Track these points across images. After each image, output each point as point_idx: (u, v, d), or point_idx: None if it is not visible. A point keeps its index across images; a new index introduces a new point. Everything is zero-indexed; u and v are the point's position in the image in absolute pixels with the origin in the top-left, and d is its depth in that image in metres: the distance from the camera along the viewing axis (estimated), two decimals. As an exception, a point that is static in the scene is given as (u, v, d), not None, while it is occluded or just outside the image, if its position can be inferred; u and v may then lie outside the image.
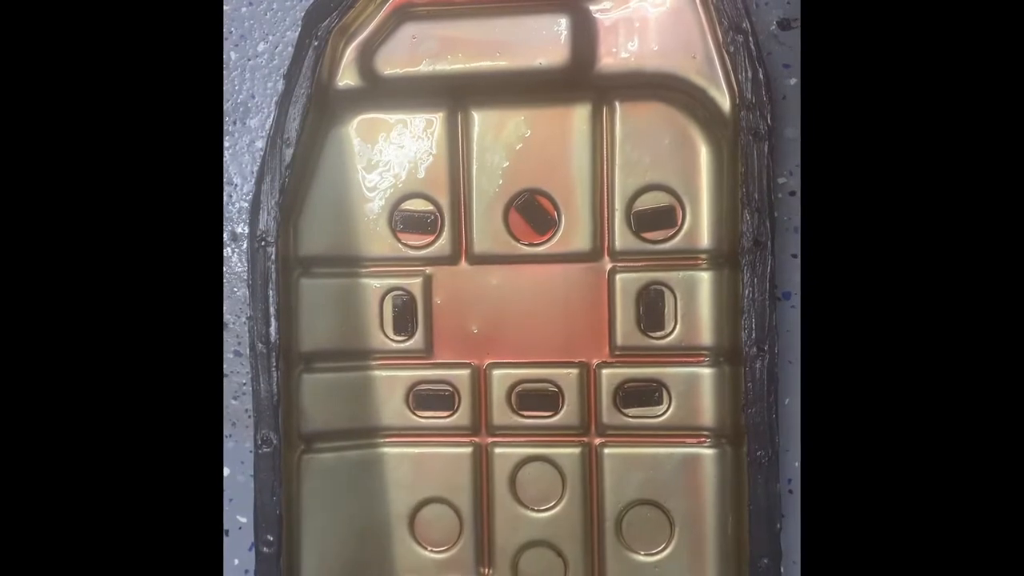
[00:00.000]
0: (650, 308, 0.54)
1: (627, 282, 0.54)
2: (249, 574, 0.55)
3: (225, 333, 0.58)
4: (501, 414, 0.56)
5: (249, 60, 0.58)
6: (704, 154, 0.53)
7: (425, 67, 0.53)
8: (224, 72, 0.58)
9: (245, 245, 0.57)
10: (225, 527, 0.59)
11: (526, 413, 0.56)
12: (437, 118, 0.55)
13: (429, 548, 0.56)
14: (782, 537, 0.51)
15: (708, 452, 0.54)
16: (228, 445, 0.59)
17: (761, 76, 0.49)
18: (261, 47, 0.57)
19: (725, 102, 0.51)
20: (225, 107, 0.58)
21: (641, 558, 0.55)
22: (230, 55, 0.58)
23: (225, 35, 0.58)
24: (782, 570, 0.54)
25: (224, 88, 0.58)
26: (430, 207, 0.55)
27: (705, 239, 0.53)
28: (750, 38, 0.49)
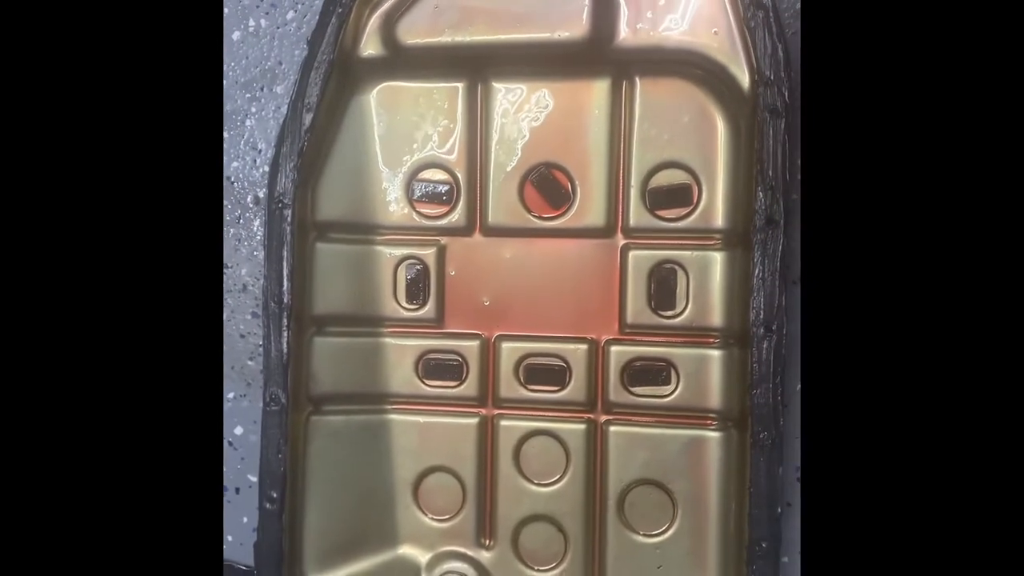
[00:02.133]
0: (661, 286, 0.54)
1: (640, 259, 0.54)
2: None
3: (244, 295, 0.60)
4: (508, 387, 0.56)
5: (278, 28, 0.59)
6: (722, 132, 0.52)
7: (446, 37, 0.54)
8: (254, 39, 0.59)
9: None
10: (235, 485, 0.60)
11: (533, 387, 0.56)
12: (457, 88, 0.55)
13: (431, 516, 0.57)
14: (785, 522, 0.50)
15: (714, 435, 0.53)
16: (242, 404, 0.60)
17: (780, 52, 0.48)
18: (290, 15, 0.59)
19: (744, 78, 0.50)
20: (253, 73, 0.59)
21: (642, 538, 0.54)
22: (260, 22, 0.59)
23: (256, 3, 0.59)
24: (785, 559, 0.53)
25: (253, 55, 0.59)
26: (447, 177, 0.56)
27: (720, 218, 0.53)
28: (771, 14, 0.48)
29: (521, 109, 0.55)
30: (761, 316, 0.49)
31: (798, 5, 0.53)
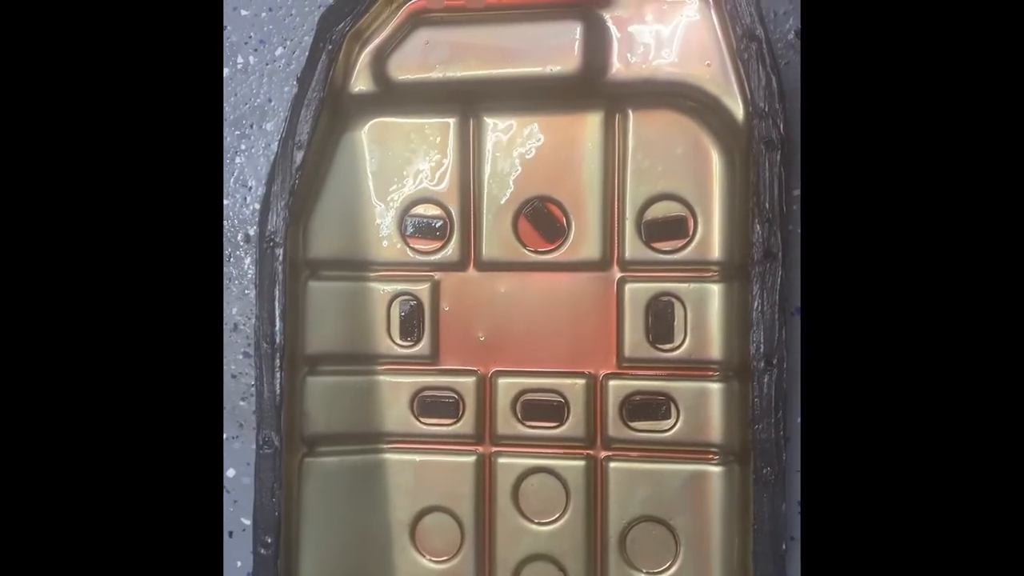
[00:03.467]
0: (659, 319, 0.53)
1: (636, 292, 0.53)
2: (250, 577, 0.55)
3: (235, 335, 0.59)
4: (505, 423, 0.55)
5: (267, 64, 0.58)
6: (717, 164, 0.52)
7: (437, 73, 0.53)
8: (243, 76, 0.58)
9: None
10: (229, 529, 0.59)
11: (531, 423, 0.55)
12: (449, 124, 0.55)
13: (429, 558, 0.56)
14: (790, 559, 0.49)
15: (716, 470, 0.52)
16: (234, 446, 0.59)
17: (775, 84, 0.48)
18: (279, 52, 0.58)
19: (739, 110, 0.50)
20: (242, 111, 0.58)
21: (644, 577, 0.53)
22: (249, 60, 0.58)
23: (244, 40, 0.58)
24: (790, 595, 0.52)
25: (242, 92, 0.58)
26: (440, 213, 0.55)
27: (716, 250, 0.52)
28: (764, 45, 0.48)
29: (514, 143, 0.54)
30: (761, 350, 0.48)
31: (791, 36, 0.53)
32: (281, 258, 0.52)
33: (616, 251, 0.54)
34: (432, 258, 0.55)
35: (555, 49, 0.52)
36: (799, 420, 0.53)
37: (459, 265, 0.55)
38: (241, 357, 0.59)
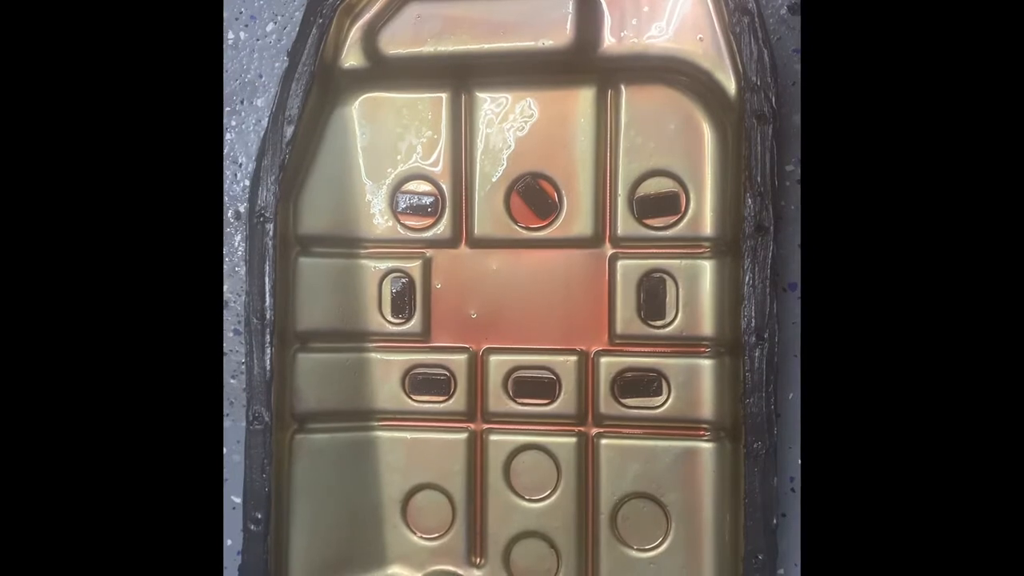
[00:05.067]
0: (651, 296, 0.53)
1: (628, 269, 0.53)
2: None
3: (225, 312, 0.58)
4: (497, 400, 0.55)
5: (258, 40, 0.58)
6: (709, 139, 0.52)
7: (429, 47, 0.53)
8: (233, 52, 0.58)
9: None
10: (219, 507, 0.58)
11: (522, 400, 0.55)
12: (441, 99, 0.54)
13: (420, 535, 0.56)
14: (782, 536, 0.49)
15: (707, 446, 0.52)
16: (225, 424, 0.58)
17: (767, 58, 0.48)
18: (270, 27, 0.58)
19: (731, 85, 0.50)
20: (233, 87, 0.58)
21: (635, 553, 0.53)
22: (240, 35, 0.58)
23: (235, 16, 0.58)
24: (781, 571, 0.52)
25: (232, 68, 0.58)
26: (431, 189, 0.55)
27: (708, 226, 0.52)
28: (756, 19, 0.48)
29: (506, 119, 0.54)
30: (752, 324, 0.48)
31: (783, 11, 0.53)
32: (271, 234, 0.52)
33: (608, 228, 0.53)
34: (424, 235, 0.55)
35: (548, 23, 0.52)
36: (790, 395, 0.53)
37: (451, 242, 0.55)
38: (232, 335, 0.59)
